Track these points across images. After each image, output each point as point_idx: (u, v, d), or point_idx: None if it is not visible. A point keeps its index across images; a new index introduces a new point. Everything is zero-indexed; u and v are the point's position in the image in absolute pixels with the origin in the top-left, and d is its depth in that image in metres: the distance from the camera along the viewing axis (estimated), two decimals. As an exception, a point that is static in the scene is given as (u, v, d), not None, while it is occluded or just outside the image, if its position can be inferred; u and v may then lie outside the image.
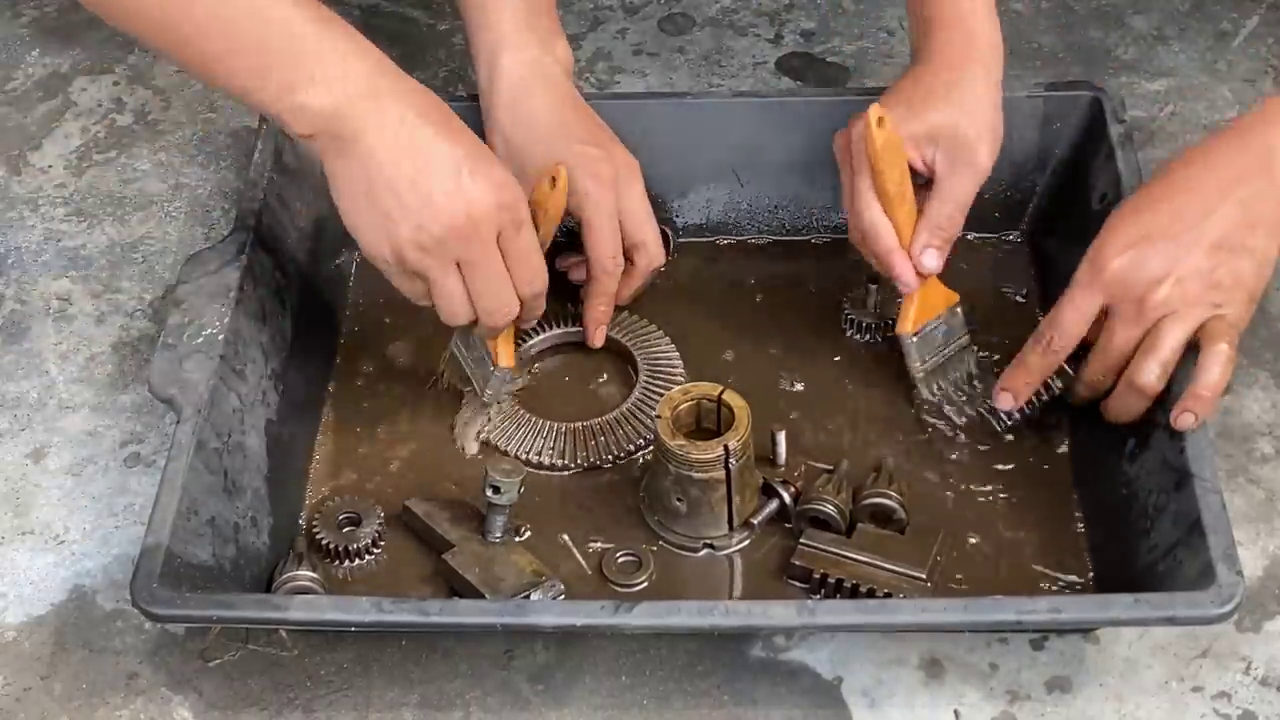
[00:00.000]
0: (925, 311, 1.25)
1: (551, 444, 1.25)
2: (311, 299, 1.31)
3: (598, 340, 1.31)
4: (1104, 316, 1.17)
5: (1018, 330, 1.26)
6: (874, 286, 1.31)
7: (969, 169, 1.23)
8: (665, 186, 1.39)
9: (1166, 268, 1.14)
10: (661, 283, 1.37)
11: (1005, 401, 1.22)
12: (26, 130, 1.55)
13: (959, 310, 1.27)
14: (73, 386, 1.34)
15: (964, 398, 1.27)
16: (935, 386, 1.27)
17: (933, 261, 1.23)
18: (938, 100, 1.23)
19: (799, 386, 1.30)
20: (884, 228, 1.23)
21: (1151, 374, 1.15)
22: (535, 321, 1.25)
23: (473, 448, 1.26)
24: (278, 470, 1.21)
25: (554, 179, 1.21)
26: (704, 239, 1.41)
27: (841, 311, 1.32)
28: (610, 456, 1.25)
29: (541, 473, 1.24)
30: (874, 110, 1.20)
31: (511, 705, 1.13)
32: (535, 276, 1.18)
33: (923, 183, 1.24)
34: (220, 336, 1.20)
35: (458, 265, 1.14)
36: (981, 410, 1.25)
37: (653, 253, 1.31)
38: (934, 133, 1.22)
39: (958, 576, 1.16)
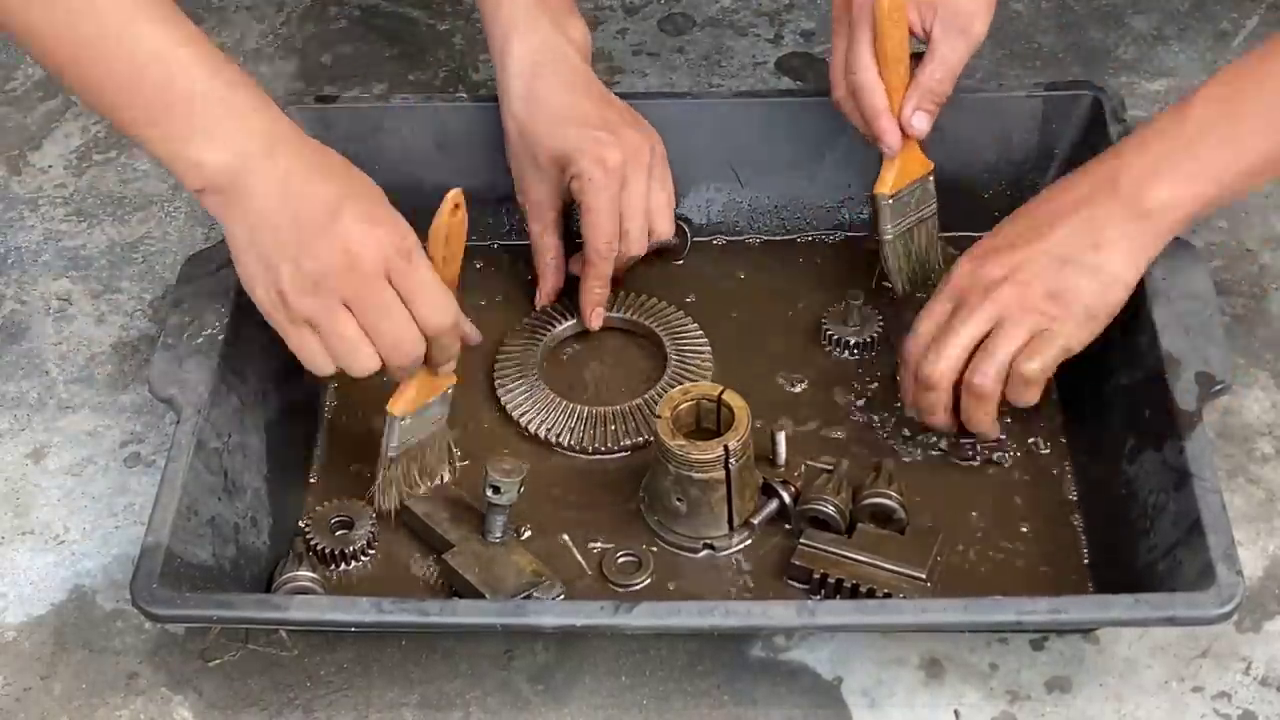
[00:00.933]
0: (903, 176, 1.29)
1: (572, 425, 1.26)
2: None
3: (595, 322, 1.32)
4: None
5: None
6: (856, 303, 1.31)
7: (964, 36, 1.26)
8: (665, 186, 1.39)
9: (1005, 271, 1.17)
10: (662, 282, 1.37)
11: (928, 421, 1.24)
12: (26, 130, 1.55)
13: (931, 179, 1.31)
14: (73, 386, 1.34)
15: (920, 275, 1.33)
16: (899, 250, 1.31)
17: (923, 124, 1.27)
18: None
19: (799, 387, 1.30)
20: (877, 86, 1.26)
21: (986, 376, 1.17)
22: (452, 364, 1.18)
23: (387, 505, 1.21)
24: (278, 470, 1.21)
25: (455, 205, 1.14)
26: (704, 239, 1.41)
27: (821, 328, 1.32)
28: (629, 442, 1.25)
29: (557, 455, 1.25)
30: None
31: (511, 705, 1.13)
32: (436, 309, 1.12)
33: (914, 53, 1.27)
34: (220, 336, 1.20)
35: (348, 307, 1.10)
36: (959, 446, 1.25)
37: (631, 244, 1.30)
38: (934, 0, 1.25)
39: (958, 577, 1.16)
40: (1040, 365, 1.16)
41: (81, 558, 1.22)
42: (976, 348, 1.18)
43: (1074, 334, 1.17)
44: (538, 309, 1.34)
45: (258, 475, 1.19)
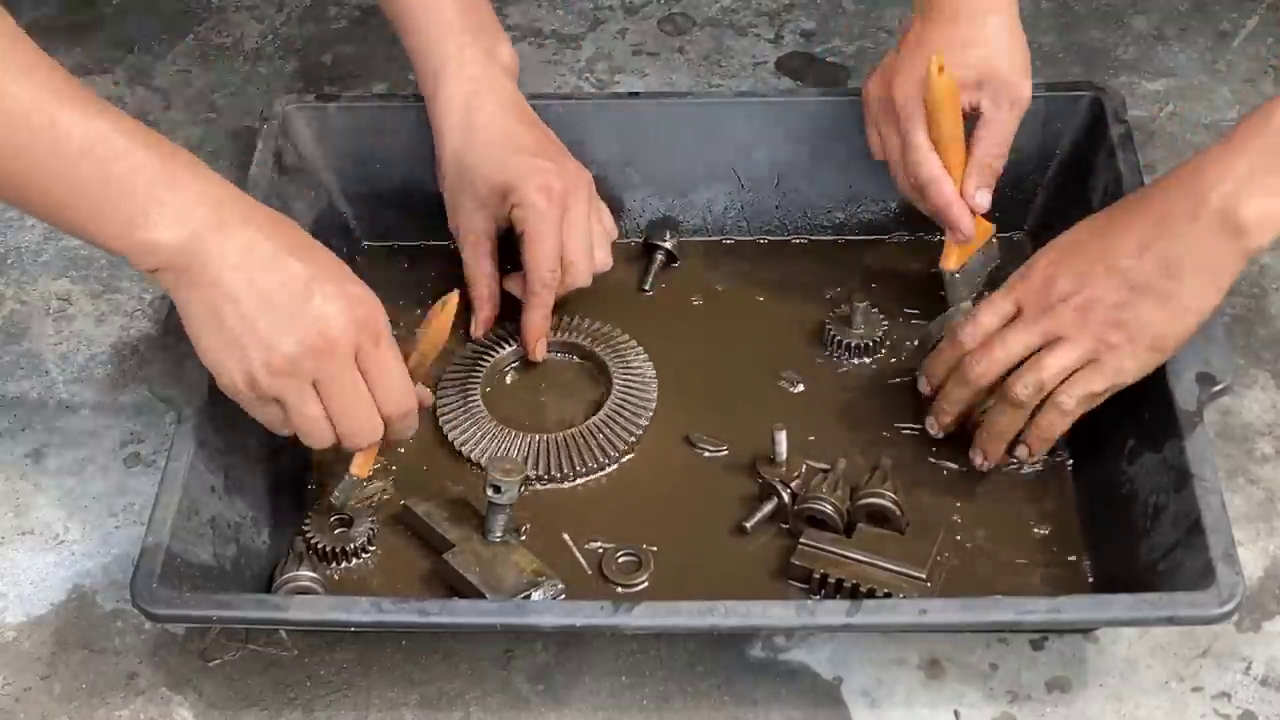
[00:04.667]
0: (967, 250, 1.30)
1: (523, 454, 1.25)
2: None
3: (538, 353, 1.30)
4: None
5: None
6: (860, 305, 1.30)
7: (1015, 105, 1.27)
8: (665, 186, 1.39)
9: (1075, 287, 1.14)
10: (662, 282, 1.38)
11: (935, 426, 1.23)
12: (26, 130, 1.55)
13: (994, 240, 1.32)
14: (73, 386, 1.34)
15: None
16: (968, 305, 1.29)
17: (986, 200, 1.27)
18: (975, 44, 1.25)
19: (799, 387, 1.30)
20: (944, 178, 1.26)
21: (1027, 387, 1.15)
22: (407, 437, 1.18)
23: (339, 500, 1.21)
24: (278, 470, 1.21)
25: (445, 302, 1.17)
26: (704, 239, 1.41)
27: (825, 331, 1.32)
28: (582, 468, 1.24)
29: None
30: (935, 59, 1.22)
31: (511, 705, 1.13)
32: (398, 395, 1.12)
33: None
34: (220, 336, 1.20)
35: (315, 386, 1.09)
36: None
37: (578, 274, 1.29)
38: (980, 76, 1.25)
39: (958, 577, 1.16)
40: (1078, 398, 1.14)
41: (81, 558, 1.22)
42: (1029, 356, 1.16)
43: (1130, 367, 1.14)
44: (474, 339, 1.32)
45: (258, 475, 1.20)
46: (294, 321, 1.06)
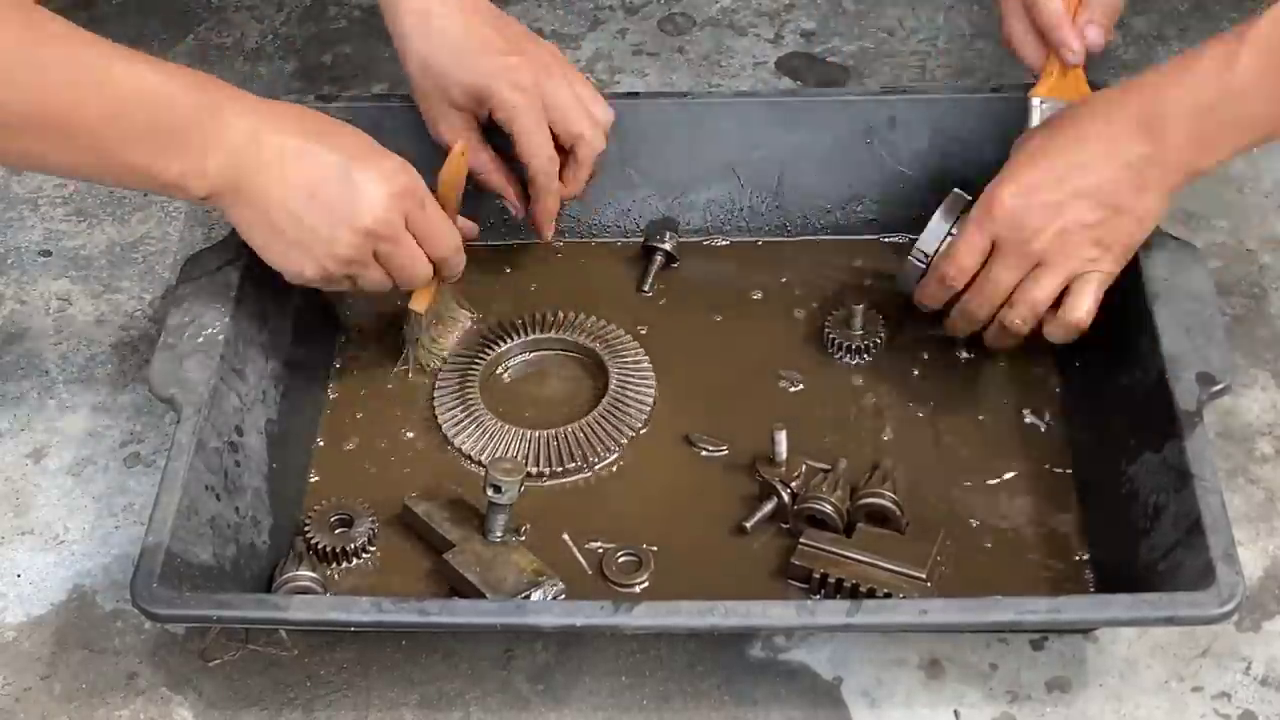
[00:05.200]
0: (1058, 90, 1.30)
1: (517, 450, 1.25)
2: (311, 298, 1.31)
3: (548, 233, 1.34)
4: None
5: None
6: (859, 307, 1.30)
7: None
8: (665, 186, 1.39)
9: (1050, 218, 1.19)
10: (662, 282, 1.38)
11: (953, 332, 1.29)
12: (26, 130, 1.55)
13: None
14: (73, 386, 1.34)
15: None
16: None
17: (1097, 37, 1.29)
18: None
19: (799, 387, 1.30)
20: None
21: (1020, 318, 1.22)
22: (460, 271, 1.27)
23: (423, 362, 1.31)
24: (278, 470, 1.21)
25: (462, 153, 1.26)
26: (704, 239, 1.41)
27: (825, 333, 1.32)
28: (575, 464, 1.24)
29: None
30: None
31: (511, 705, 1.13)
32: (446, 241, 1.23)
33: None
34: (220, 336, 1.20)
35: (376, 257, 1.19)
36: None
37: (590, 141, 1.31)
38: None
39: (958, 577, 1.16)
40: (1088, 309, 1.20)
41: (81, 558, 1.22)
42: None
43: (1110, 270, 1.20)
44: (518, 218, 1.35)
45: (258, 475, 1.20)
46: (346, 212, 1.16)
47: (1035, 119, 1.29)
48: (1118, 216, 1.18)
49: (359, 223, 1.16)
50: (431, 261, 1.22)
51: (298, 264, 1.18)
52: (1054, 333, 1.23)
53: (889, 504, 1.18)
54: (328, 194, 1.15)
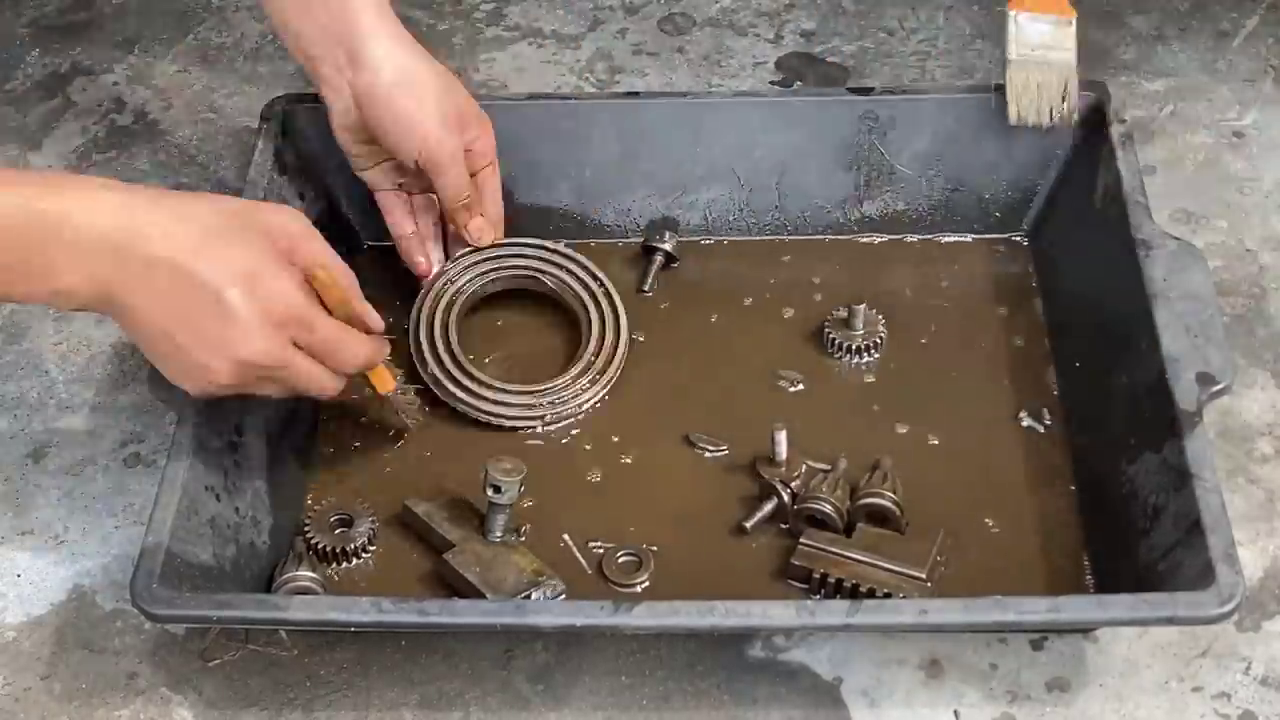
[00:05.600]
0: (1036, 4, 1.30)
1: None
2: (311, 299, 1.31)
3: (486, 237, 1.33)
4: None
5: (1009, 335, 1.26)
6: (859, 307, 1.30)
7: None
8: (665, 186, 1.39)
9: None
10: (662, 282, 1.38)
11: None
12: (26, 130, 1.55)
13: (1072, 25, 1.31)
14: (73, 386, 1.34)
15: (1037, 113, 1.32)
16: (1018, 79, 1.31)
17: None
18: None
19: (799, 387, 1.30)
20: None
21: None
22: (384, 355, 1.20)
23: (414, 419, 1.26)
24: (278, 470, 1.21)
25: (319, 273, 1.13)
26: (704, 239, 1.41)
27: (825, 333, 1.32)
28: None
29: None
30: None
31: (511, 705, 1.13)
32: (348, 355, 1.14)
33: None
34: (220, 336, 1.20)
35: (267, 381, 1.12)
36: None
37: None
38: None
39: (958, 577, 1.16)
40: None
41: (81, 558, 1.22)
42: None
43: None
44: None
45: (258, 475, 1.20)
46: (218, 345, 1.07)
47: (1011, 35, 1.30)
48: None
49: (235, 355, 1.07)
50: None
51: (186, 384, 1.10)
52: None
53: (889, 504, 1.18)
54: (201, 325, 1.06)
